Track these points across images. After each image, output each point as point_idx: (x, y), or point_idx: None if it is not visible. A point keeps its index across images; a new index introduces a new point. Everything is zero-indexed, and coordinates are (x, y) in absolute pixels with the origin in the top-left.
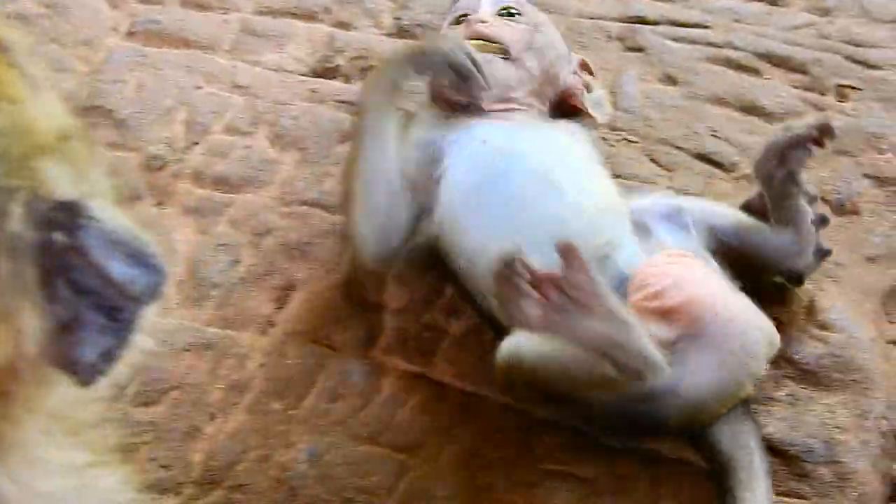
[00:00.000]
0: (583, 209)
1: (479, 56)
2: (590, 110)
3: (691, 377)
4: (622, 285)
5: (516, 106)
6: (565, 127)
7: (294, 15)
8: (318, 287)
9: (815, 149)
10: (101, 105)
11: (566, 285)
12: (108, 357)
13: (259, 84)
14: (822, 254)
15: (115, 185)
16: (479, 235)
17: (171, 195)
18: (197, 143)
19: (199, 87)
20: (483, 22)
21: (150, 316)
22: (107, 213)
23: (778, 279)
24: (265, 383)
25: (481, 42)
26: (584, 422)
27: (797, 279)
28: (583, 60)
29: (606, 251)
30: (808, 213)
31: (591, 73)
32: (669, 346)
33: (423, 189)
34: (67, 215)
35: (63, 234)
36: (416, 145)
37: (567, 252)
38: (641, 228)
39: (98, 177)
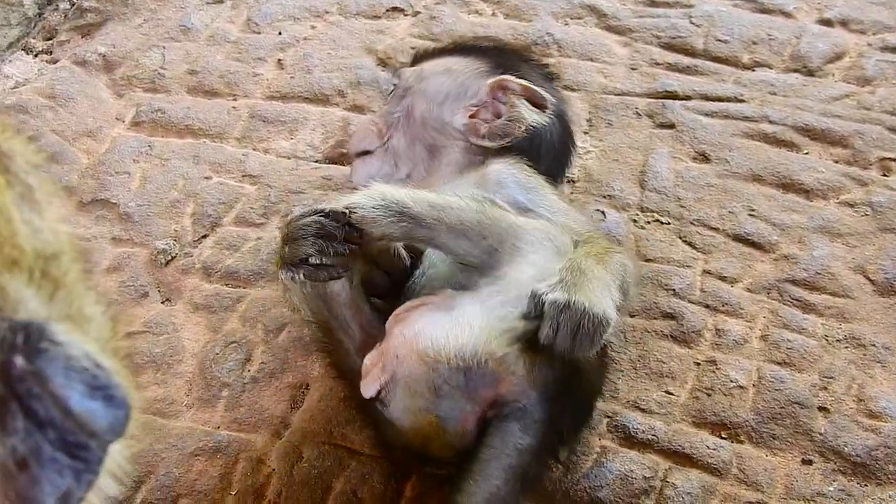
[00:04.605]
0: None
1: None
2: (493, 141)
3: (393, 407)
4: None
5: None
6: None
7: (306, 99)
8: (335, 384)
9: None
10: (106, 198)
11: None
12: (67, 501)
13: (270, 172)
14: None
15: (105, 310)
16: None
17: (178, 291)
18: (206, 237)
19: (208, 178)
20: None
21: (116, 456)
22: (71, 337)
23: None
24: (280, 488)
25: None
26: None
27: None
28: (498, 81)
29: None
30: None
31: (515, 91)
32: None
33: None
34: (26, 337)
35: (23, 357)
36: None
37: None
38: None
39: (85, 302)
